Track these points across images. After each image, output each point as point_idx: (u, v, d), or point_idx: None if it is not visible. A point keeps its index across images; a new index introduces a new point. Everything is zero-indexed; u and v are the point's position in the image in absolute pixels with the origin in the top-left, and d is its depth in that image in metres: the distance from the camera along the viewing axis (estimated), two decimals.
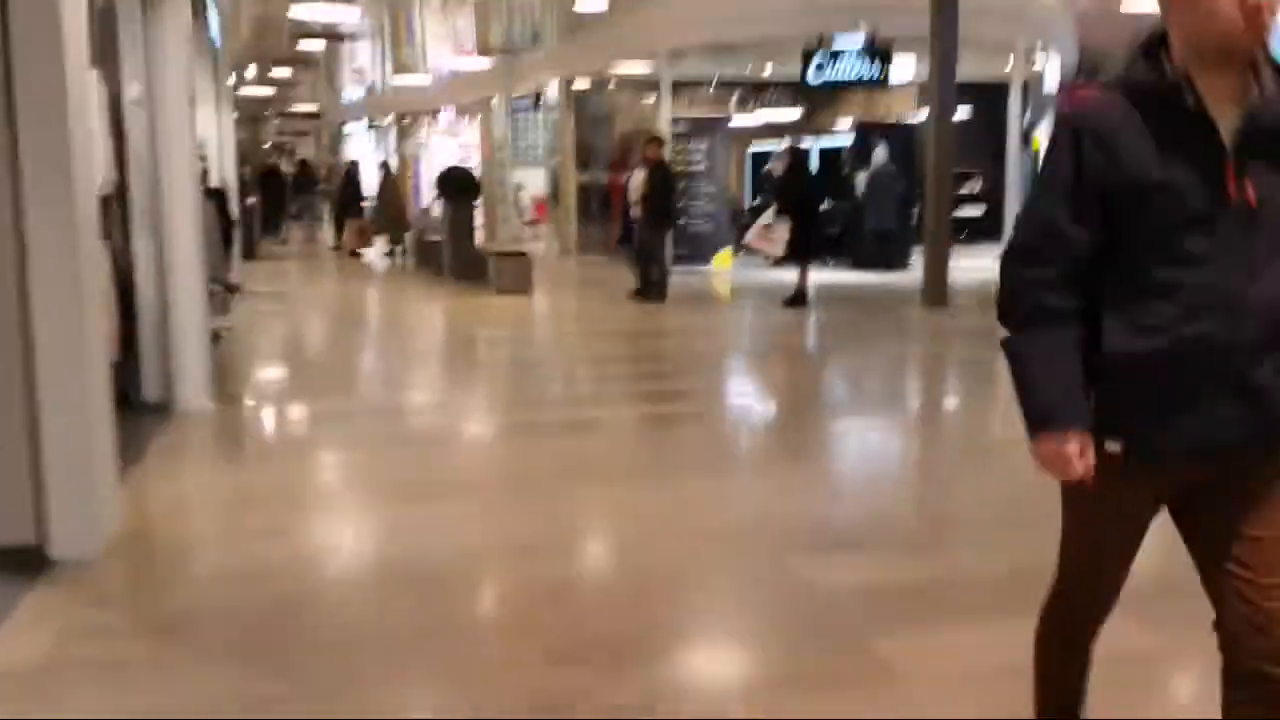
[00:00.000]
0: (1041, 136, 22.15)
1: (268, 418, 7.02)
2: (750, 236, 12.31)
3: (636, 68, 16.26)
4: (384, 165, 20.74)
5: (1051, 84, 19.93)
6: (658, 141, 12.98)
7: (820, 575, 3.91)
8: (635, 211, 12.18)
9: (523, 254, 13.22)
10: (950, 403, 7.54)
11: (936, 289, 11.21)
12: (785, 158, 11.98)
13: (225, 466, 5.76)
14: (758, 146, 18.25)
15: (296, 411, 7.27)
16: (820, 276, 14.47)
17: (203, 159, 11.42)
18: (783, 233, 11.41)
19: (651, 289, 12.10)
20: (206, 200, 9.70)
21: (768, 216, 11.73)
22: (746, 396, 7.79)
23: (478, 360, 9.57)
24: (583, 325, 11.38)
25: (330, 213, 21.60)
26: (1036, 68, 17.05)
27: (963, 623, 3.48)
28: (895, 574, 3.95)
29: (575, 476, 5.34)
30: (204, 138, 12.83)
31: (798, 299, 11.28)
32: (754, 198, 17.92)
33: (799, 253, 11.41)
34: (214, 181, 11.54)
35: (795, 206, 11.41)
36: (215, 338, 9.00)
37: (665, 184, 12.18)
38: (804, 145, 16.97)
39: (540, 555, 4.18)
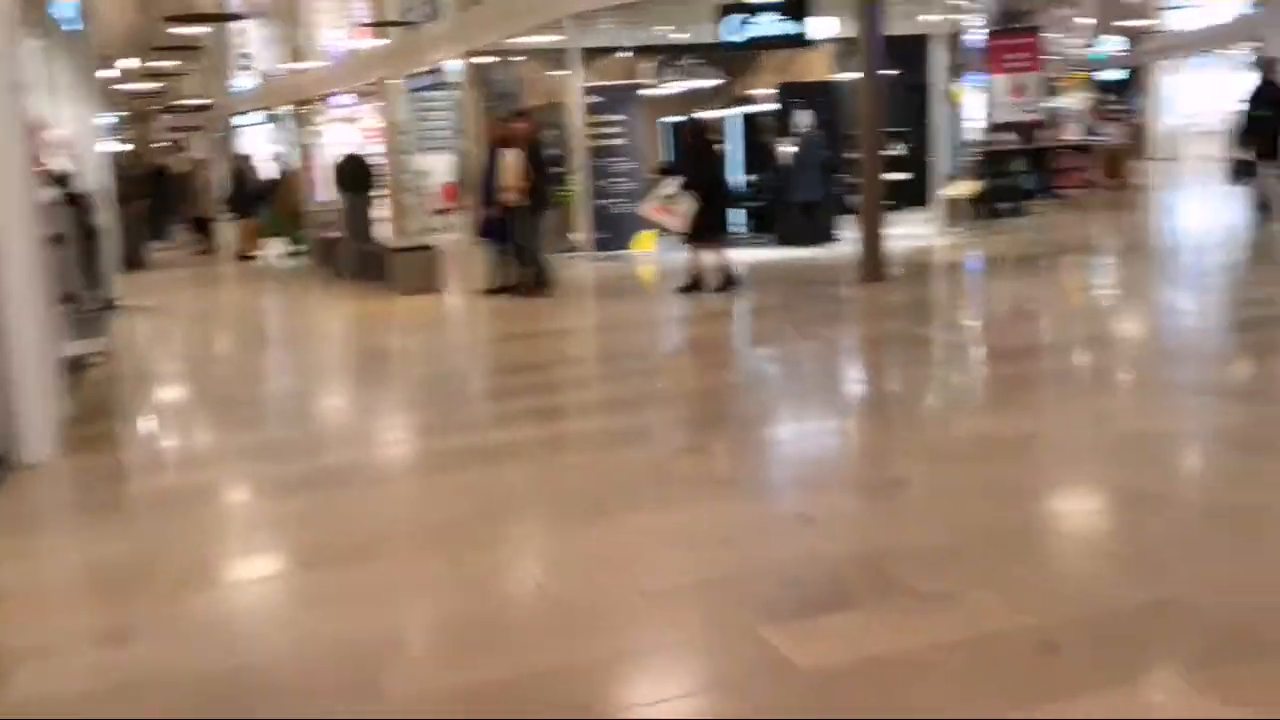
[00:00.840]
0: (963, 89, 21.53)
1: (132, 467, 6.00)
2: (648, 206, 10.84)
3: (542, 37, 15.24)
4: (279, 158, 19.43)
5: (973, 36, 19.34)
6: (526, 116, 11.97)
7: (804, 650, 3.11)
8: (509, 197, 10.68)
9: (428, 248, 12.16)
10: (916, 394, 6.77)
11: (873, 263, 10.48)
12: (687, 128, 10.98)
13: (67, 539, 4.75)
14: (678, 117, 17.37)
15: (167, 454, 6.27)
16: (746, 256, 13.74)
17: (65, 161, 10.26)
18: (686, 207, 10.23)
19: (538, 282, 10.87)
20: (64, 208, 8.59)
21: (669, 186, 10.45)
22: (680, 404, 6.82)
23: (373, 377, 8.39)
24: (492, 328, 10.23)
25: (215, 214, 20.06)
26: (959, 17, 16.39)
27: (1021, 697, 2.70)
28: (903, 640, 3.16)
29: (495, 520, 4.48)
30: (68, 137, 11.62)
31: (695, 285, 10.21)
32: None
33: (703, 233, 10.31)
34: (82, 184, 10.36)
35: (698, 183, 10.28)
36: (82, 366, 7.93)
37: (538, 164, 10.90)
38: (713, 116, 16.21)
39: (464, 645, 3.32)
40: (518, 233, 10.85)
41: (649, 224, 12.08)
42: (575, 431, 6.08)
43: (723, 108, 16.68)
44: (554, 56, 15.01)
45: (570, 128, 14.46)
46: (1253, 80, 13.33)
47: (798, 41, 13.66)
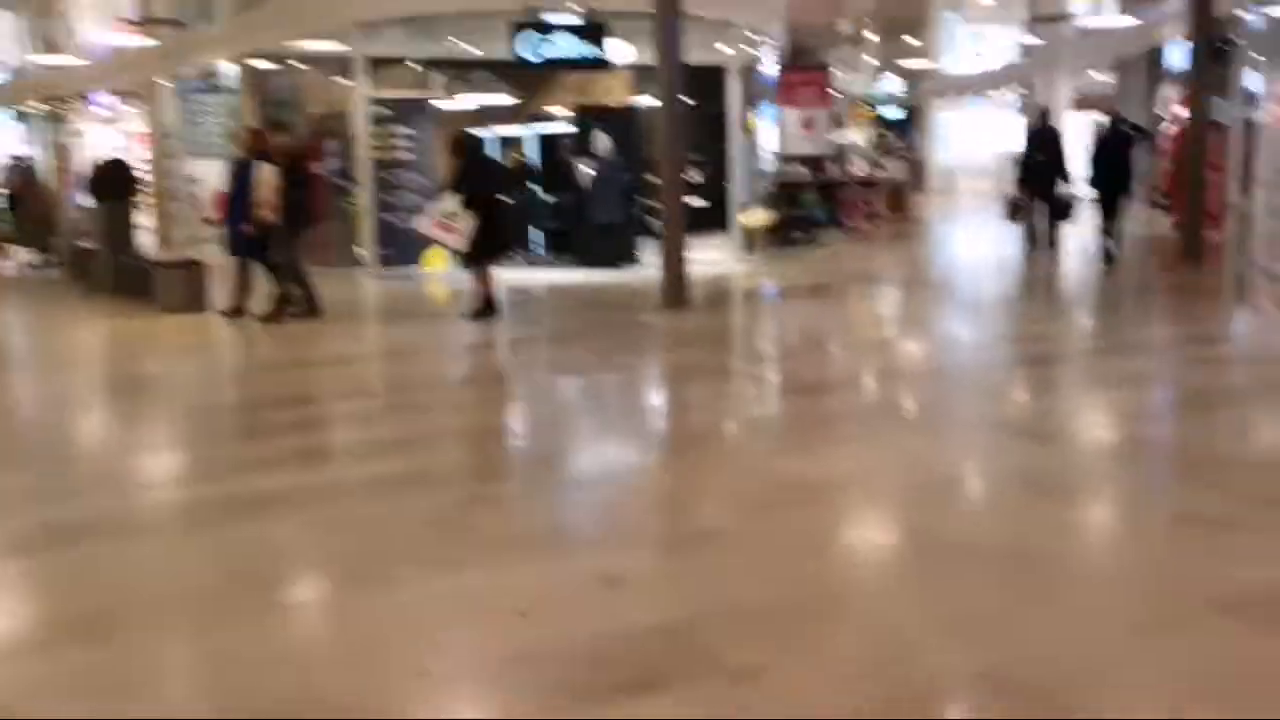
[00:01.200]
0: (758, 121, 21.87)
1: None
2: (426, 221, 10.02)
3: (325, 44, 14.37)
4: (19, 160, 17.63)
5: (768, 68, 19.62)
6: (286, 128, 11.16)
7: None
8: (263, 214, 9.69)
9: (194, 263, 11.10)
10: (721, 432, 6.46)
11: (675, 289, 10.25)
12: (457, 141, 10.37)
13: None
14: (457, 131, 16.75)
15: None
16: (548, 276, 13.32)
17: None
18: (466, 227, 9.59)
19: (303, 304, 10.03)
20: None
21: (449, 203, 9.75)
22: (467, 444, 6.25)
23: (123, 411, 7.42)
24: (260, 354, 9.33)
25: None
26: (753, 50, 16.54)
27: None
28: None
29: (254, 587, 3.85)
30: None
31: (488, 309, 9.72)
32: None
33: (480, 255, 9.73)
34: None
35: (475, 200, 9.61)
36: None
37: (298, 180, 10.06)
38: (508, 133, 15.77)
39: None
40: (272, 252, 9.90)
41: (433, 241, 11.38)
42: (349, 478, 5.43)
43: (518, 125, 16.26)
44: (338, 64, 14.17)
45: (355, 139, 13.68)
46: (1030, 125, 13.99)
47: (596, 65, 13.37)
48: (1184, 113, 20.61)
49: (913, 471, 5.16)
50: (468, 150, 10.34)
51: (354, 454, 5.93)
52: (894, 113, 33.30)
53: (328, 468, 5.67)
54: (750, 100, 19.63)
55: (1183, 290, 11.32)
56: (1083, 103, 23.92)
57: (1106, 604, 3.62)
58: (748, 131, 19.06)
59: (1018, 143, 14.22)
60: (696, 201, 18.60)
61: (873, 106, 31.56)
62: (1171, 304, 10.79)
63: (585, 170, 13.95)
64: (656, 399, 7.40)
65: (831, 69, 21.65)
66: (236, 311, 10.04)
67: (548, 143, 15.74)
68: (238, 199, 9.96)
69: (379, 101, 13.78)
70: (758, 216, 16.18)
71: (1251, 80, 15.39)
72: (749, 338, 9.86)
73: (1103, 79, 22.39)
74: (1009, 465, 5.33)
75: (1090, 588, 3.80)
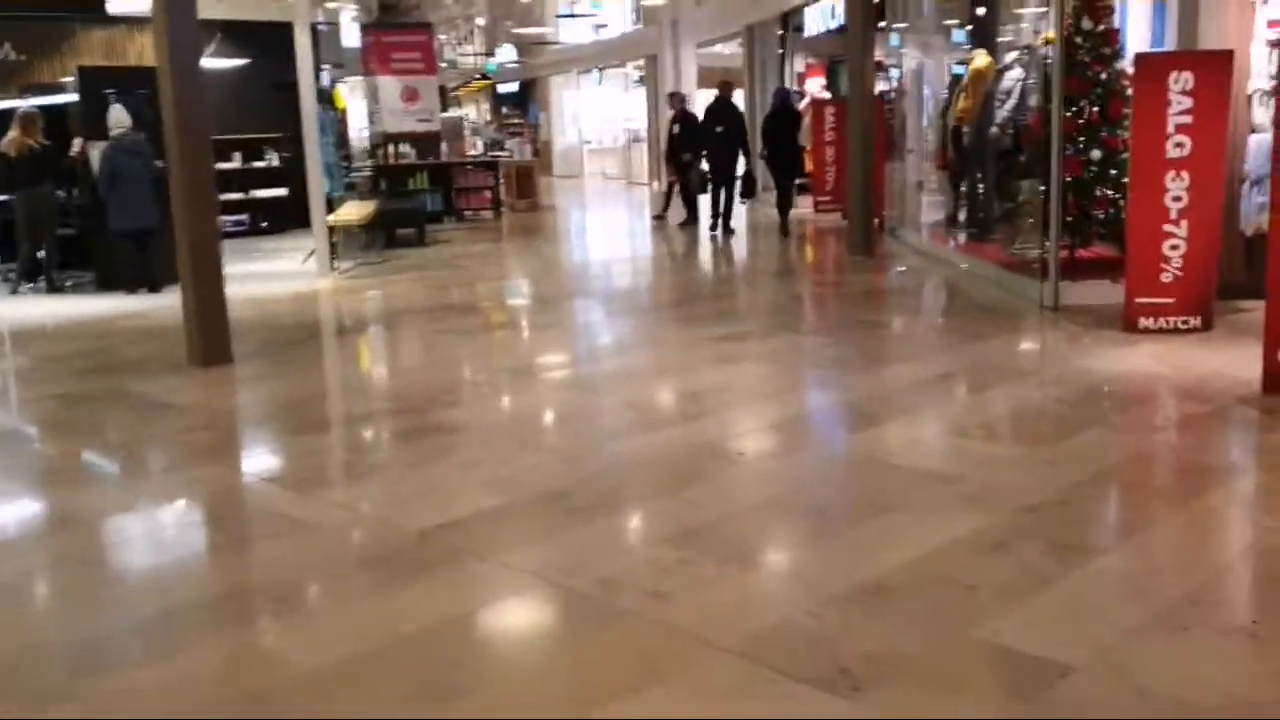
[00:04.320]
0: (345, 93, 18.49)
1: None
2: None
3: None
4: None
5: (353, 29, 16.38)
6: None
7: None
8: None
9: None
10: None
11: (211, 334, 6.88)
12: None
13: None
14: None
15: None
16: (34, 310, 9.43)
17: None
18: None
19: None
20: None
21: None
22: None
23: None
24: None
25: None
26: (333, 5, 13.17)
27: None
28: None
29: None
30: None
31: None
32: None
33: None
34: None
35: None
36: None
37: None
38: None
39: None
40: None
41: None
42: None
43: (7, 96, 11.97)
44: None
45: None
46: (710, 101, 13.90)
47: (94, 14, 9.53)
48: (819, 87, 19.58)
49: None
50: None
51: None
52: (511, 87, 30.81)
53: None
54: (335, 66, 16.24)
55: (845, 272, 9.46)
56: (710, 76, 22.48)
57: None
58: (335, 106, 15.71)
59: (690, 117, 14.33)
60: (270, 191, 15.16)
61: (487, 77, 28.80)
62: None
63: (99, 156, 10.08)
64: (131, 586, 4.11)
65: (436, 33, 18.71)
66: None
67: (55, 119, 11.56)
68: None
69: None
70: (352, 211, 12.94)
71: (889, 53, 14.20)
72: (326, 427, 6.36)
73: (730, 51, 20.93)
74: None
75: None
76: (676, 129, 14.45)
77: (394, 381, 6.96)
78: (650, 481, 4.43)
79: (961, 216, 11.39)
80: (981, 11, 12.53)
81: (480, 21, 28.92)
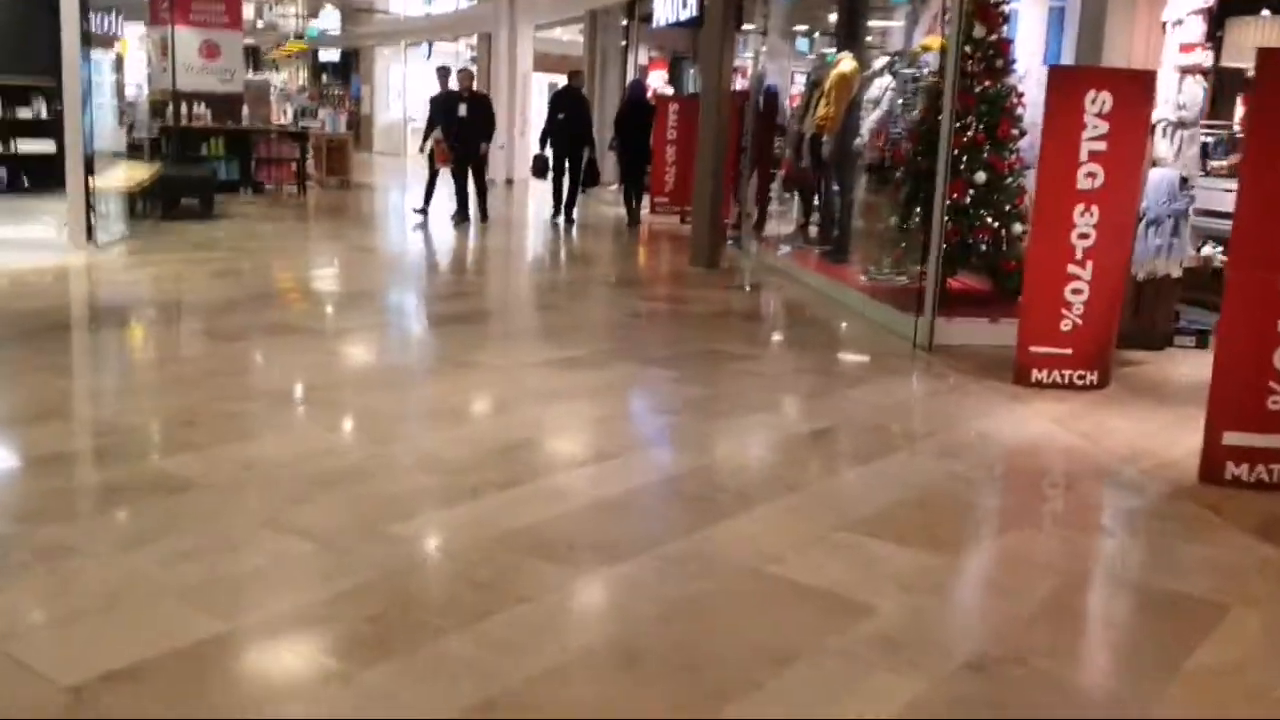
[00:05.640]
0: (132, 43, 16.48)
1: None
2: None
3: None
4: None
5: None
6: None
7: None
8: None
9: None
10: None
11: None
12: None
13: None
14: None
15: None
16: None
17: None
18: None
19: None
20: None
21: None
22: None
23: None
24: None
25: None
26: None
27: None
28: None
29: None
30: None
31: None
32: None
33: None
34: None
35: None
36: None
37: None
38: None
39: None
40: None
41: None
42: None
43: None
44: None
45: None
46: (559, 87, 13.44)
47: None
48: (661, 81, 18.54)
49: None
50: None
51: None
52: (331, 55, 28.66)
53: None
54: (120, 10, 14.25)
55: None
56: (546, 62, 21.16)
57: None
58: (118, 54, 13.73)
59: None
60: (39, 145, 13.02)
61: (303, 39, 26.56)
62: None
63: None
64: None
65: None
66: None
67: None
68: None
69: None
70: (125, 173, 11.07)
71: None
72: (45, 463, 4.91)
73: (570, 38, 19.67)
74: None
75: None
76: (465, 110, 12.20)
77: (114, 405, 5.12)
78: (440, 597, 3.13)
79: (813, 232, 10.53)
80: (839, 16, 11.73)
81: None
